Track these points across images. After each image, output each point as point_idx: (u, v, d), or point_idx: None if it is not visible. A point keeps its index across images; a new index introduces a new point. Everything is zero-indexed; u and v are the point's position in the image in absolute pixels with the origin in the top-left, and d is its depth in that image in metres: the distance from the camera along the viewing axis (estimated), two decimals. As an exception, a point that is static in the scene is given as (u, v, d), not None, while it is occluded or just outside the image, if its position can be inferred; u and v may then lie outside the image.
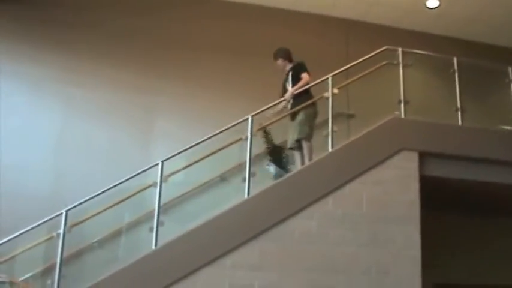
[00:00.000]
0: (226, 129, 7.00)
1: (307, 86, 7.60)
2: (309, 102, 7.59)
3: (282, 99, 7.64)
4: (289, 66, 7.93)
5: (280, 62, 7.96)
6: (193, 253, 6.07)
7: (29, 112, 8.50)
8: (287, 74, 7.90)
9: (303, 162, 7.43)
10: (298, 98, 7.61)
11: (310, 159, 7.32)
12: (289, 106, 7.71)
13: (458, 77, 8.12)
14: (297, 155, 7.65)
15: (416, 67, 8.08)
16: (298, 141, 7.56)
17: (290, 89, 7.68)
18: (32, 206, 7.59)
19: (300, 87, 7.58)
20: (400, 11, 10.17)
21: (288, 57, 7.97)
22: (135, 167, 6.82)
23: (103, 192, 6.57)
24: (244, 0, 9.81)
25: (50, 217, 6.46)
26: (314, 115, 7.68)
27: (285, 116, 7.85)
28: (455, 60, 8.11)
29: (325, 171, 6.87)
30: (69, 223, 6.48)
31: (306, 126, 7.54)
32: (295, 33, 9.54)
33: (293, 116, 7.68)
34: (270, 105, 7.38)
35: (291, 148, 7.71)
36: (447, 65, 8.25)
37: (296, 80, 7.67)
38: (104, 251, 7.58)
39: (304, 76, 7.61)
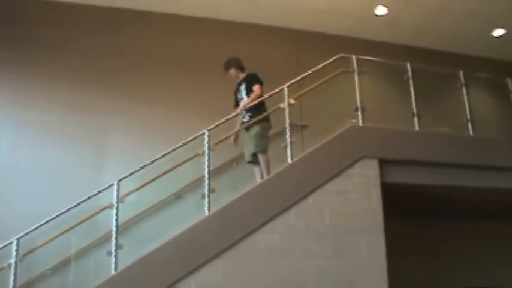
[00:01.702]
0: (182, 145, 6.81)
1: (262, 98, 7.48)
2: (265, 114, 7.48)
3: (234, 113, 7.50)
4: (242, 75, 7.84)
5: (233, 71, 7.88)
6: (155, 275, 5.82)
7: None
8: (239, 84, 7.80)
9: (262, 176, 7.28)
10: (253, 110, 7.48)
11: (268, 172, 7.20)
12: (246, 117, 7.55)
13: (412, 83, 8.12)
14: (255, 169, 7.51)
15: (369, 75, 8.00)
16: (255, 155, 7.43)
17: (244, 100, 7.59)
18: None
19: (252, 100, 7.47)
20: (349, 19, 10.19)
21: (240, 66, 7.89)
22: (88, 189, 6.55)
23: (56, 216, 6.30)
24: (193, 14, 9.67)
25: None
26: (269, 128, 7.58)
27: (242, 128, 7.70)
28: (408, 66, 8.11)
29: (286, 183, 6.73)
30: (20, 251, 6.16)
31: (262, 139, 7.42)
32: (245, 45, 9.43)
33: (248, 128, 7.54)
34: (224, 119, 7.18)
35: (249, 162, 7.56)
36: (399, 72, 8.25)
37: (249, 91, 7.57)
38: (58, 279, 7.26)
39: (256, 88, 7.51)
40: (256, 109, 7.48)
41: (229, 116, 7.30)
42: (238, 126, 7.75)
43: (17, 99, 8.41)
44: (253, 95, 7.49)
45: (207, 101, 8.77)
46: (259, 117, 7.40)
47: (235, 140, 7.80)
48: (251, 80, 7.64)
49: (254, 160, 7.48)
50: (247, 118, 7.57)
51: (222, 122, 7.10)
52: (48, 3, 8.97)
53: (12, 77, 8.49)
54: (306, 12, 9.94)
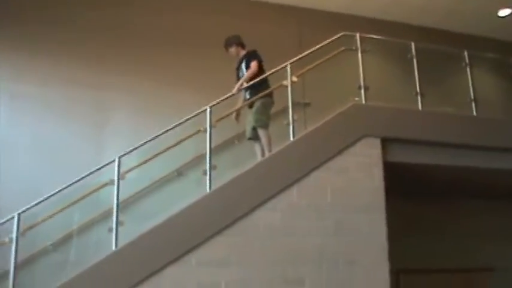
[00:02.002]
0: (184, 121, 6.78)
1: (265, 75, 7.42)
2: (267, 91, 7.42)
3: (231, 93, 7.36)
4: (242, 53, 7.78)
5: (233, 49, 7.81)
6: (156, 252, 5.82)
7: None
8: (240, 62, 7.75)
9: (263, 153, 7.25)
10: (255, 86, 7.43)
11: (269, 149, 7.17)
12: (247, 95, 7.52)
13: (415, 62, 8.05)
14: (256, 146, 7.46)
15: (372, 53, 7.93)
16: (255, 131, 7.39)
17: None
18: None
19: (248, 76, 7.42)
20: (353, -3, 10.11)
21: (240, 43, 7.83)
22: (88, 165, 6.54)
23: (57, 192, 6.26)
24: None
25: (1, 221, 6.11)
26: (270, 104, 7.53)
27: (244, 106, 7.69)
28: (412, 45, 8.04)
29: (288, 161, 6.70)
30: (22, 227, 6.14)
31: (262, 115, 7.38)
32: (247, 22, 9.36)
33: (251, 105, 7.50)
34: (225, 96, 7.15)
35: (249, 139, 7.53)
36: (403, 51, 8.19)
37: (249, 68, 7.51)
38: (60, 255, 7.27)
39: (252, 65, 7.45)
40: (258, 86, 7.41)
41: (230, 94, 7.26)
42: (240, 103, 7.71)
43: (15, 74, 8.32)
44: (249, 72, 7.43)
45: (209, 78, 8.71)
46: (262, 94, 7.35)
47: (237, 117, 7.76)
48: (250, 57, 7.58)
49: (255, 136, 7.43)
50: (247, 96, 7.53)
51: (224, 98, 7.09)
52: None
53: (11, 51, 8.41)
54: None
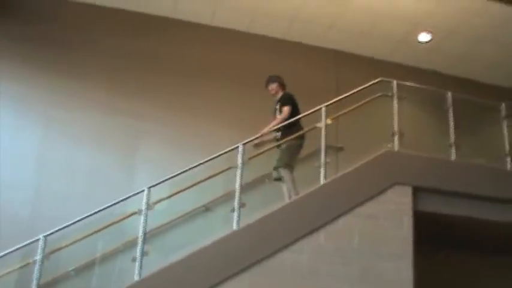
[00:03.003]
0: (216, 157, 6.77)
1: (295, 118, 7.39)
2: (297, 134, 7.34)
3: (259, 134, 7.32)
4: (280, 93, 7.74)
5: (274, 86, 7.75)
6: (179, 286, 5.78)
7: (10, 131, 8.19)
8: (277, 102, 7.71)
9: (289, 195, 7.17)
10: (285, 128, 7.39)
11: (295, 191, 7.07)
12: (278, 135, 7.48)
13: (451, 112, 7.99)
14: (284, 187, 7.37)
15: (408, 101, 7.90)
16: (278, 171, 7.30)
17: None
18: (9, 229, 7.32)
19: (278, 122, 7.38)
20: (392, 44, 10.15)
21: (281, 84, 7.78)
22: (118, 193, 6.61)
23: (84, 218, 6.30)
24: (236, 27, 9.75)
25: (27, 242, 6.19)
26: (298, 146, 7.45)
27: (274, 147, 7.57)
28: (449, 95, 7.98)
29: (317, 204, 6.67)
30: (47, 249, 6.17)
31: (285, 156, 7.31)
32: (285, 62, 9.43)
33: (280, 146, 7.46)
34: (258, 134, 7.21)
35: (275, 179, 7.45)
36: (438, 100, 8.13)
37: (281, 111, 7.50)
38: (82, 281, 7.26)
39: (285, 110, 7.43)
40: (288, 128, 7.37)
41: (258, 135, 7.23)
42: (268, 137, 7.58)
43: (50, 98, 8.52)
44: (279, 118, 7.42)
45: (243, 114, 8.76)
46: (291, 136, 7.28)
47: (258, 145, 7.55)
48: (284, 101, 7.56)
49: (279, 177, 7.33)
50: (278, 136, 7.47)
51: (256, 137, 7.13)
52: (89, 7, 9.17)
53: (48, 76, 8.62)
54: (348, 34, 9.93)
